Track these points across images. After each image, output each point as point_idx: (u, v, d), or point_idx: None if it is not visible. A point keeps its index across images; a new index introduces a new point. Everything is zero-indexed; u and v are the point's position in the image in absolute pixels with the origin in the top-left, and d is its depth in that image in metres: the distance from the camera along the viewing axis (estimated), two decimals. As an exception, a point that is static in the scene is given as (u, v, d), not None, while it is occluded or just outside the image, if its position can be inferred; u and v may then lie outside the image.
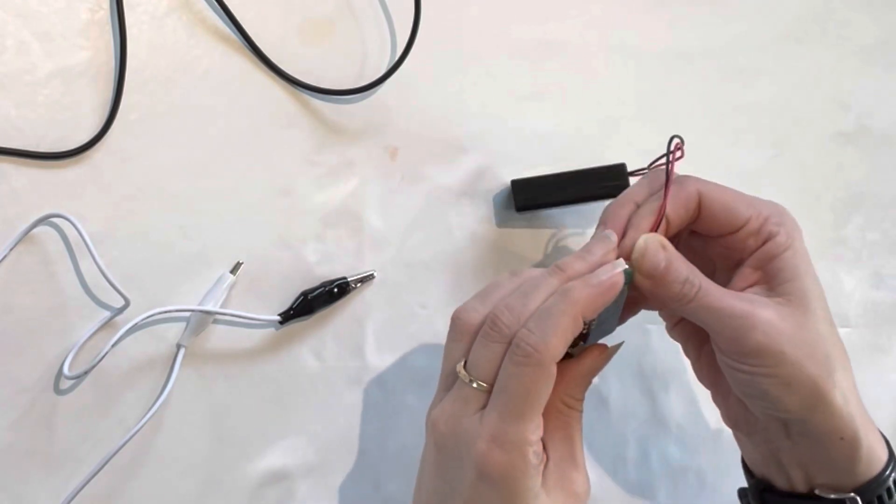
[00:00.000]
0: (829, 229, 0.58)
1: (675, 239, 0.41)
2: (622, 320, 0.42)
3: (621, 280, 0.36)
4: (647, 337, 0.51)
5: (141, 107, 0.44)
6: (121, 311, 0.43)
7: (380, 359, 0.47)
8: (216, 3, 0.46)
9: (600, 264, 0.37)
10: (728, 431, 0.44)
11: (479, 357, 0.36)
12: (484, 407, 0.36)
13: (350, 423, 0.47)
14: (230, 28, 0.46)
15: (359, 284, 0.47)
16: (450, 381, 0.38)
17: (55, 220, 0.42)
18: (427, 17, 0.49)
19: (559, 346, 0.35)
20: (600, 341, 0.40)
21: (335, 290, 0.45)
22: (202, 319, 0.44)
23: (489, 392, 0.36)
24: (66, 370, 0.41)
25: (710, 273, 0.41)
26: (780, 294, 0.39)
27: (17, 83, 0.42)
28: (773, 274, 0.39)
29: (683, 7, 0.57)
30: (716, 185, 0.41)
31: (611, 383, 0.51)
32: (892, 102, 0.60)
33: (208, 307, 0.44)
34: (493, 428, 0.35)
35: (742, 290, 0.40)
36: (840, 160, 0.58)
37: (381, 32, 0.50)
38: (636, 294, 0.39)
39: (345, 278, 0.46)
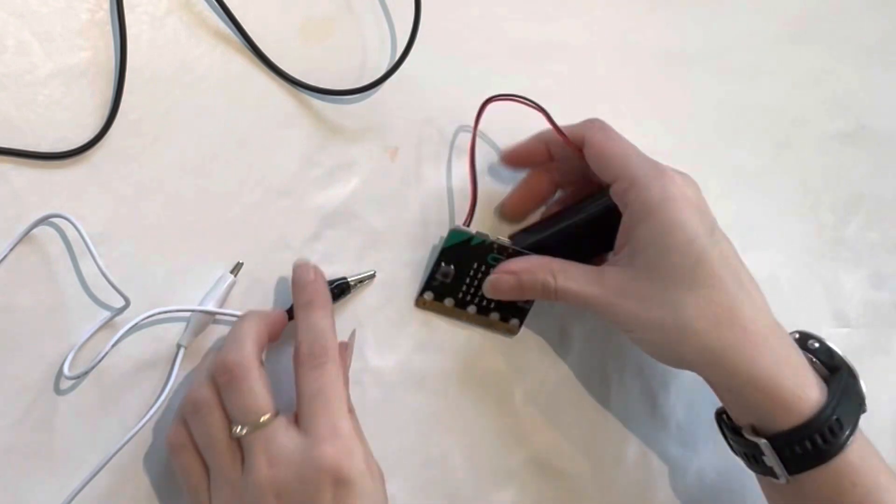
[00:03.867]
0: (829, 229, 0.58)
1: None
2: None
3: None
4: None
5: (141, 107, 0.44)
6: (121, 311, 0.43)
7: (380, 359, 0.47)
8: (216, 3, 0.46)
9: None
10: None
11: (241, 402, 0.39)
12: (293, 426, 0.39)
13: (350, 423, 0.47)
14: (230, 28, 0.46)
15: (359, 284, 0.47)
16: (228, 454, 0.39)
17: (55, 220, 0.42)
18: (427, 17, 0.49)
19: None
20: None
21: (335, 290, 0.45)
22: (202, 319, 0.44)
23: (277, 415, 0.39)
24: (66, 370, 0.41)
25: None
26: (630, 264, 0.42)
27: (17, 83, 0.42)
28: (625, 243, 0.43)
29: (683, 7, 0.57)
30: (609, 136, 0.43)
31: (611, 383, 0.51)
32: (892, 102, 0.60)
33: (208, 307, 0.44)
34: (318, 429, 0.38)
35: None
36: (840, 160, 0.58)
37: (381, 32, 0.50)
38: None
39: (345, 278, 0.46)
